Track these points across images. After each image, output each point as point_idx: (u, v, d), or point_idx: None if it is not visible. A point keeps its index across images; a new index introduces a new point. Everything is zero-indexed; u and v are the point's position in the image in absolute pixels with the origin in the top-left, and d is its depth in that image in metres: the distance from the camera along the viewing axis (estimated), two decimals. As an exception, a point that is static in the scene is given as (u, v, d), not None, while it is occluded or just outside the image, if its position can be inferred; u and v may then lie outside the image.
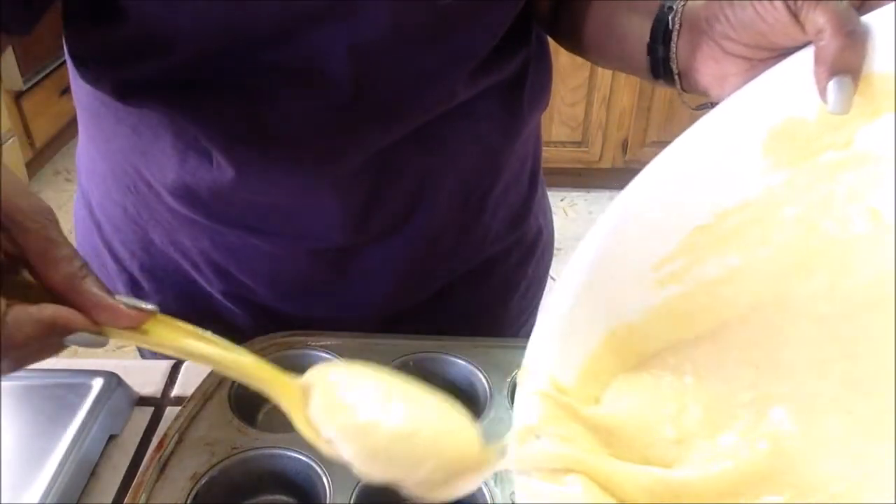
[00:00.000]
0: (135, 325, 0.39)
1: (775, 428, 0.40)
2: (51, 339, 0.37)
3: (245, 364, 0.41)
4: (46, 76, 2.63)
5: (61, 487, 0.53)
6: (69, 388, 0.61)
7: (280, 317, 0.68)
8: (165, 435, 0.55)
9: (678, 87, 0.52)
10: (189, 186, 0.59)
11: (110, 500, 0.55)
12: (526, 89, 0.66)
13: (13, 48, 2.39)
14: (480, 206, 0.68)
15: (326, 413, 0.40)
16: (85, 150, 0.68)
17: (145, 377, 0.66)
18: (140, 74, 0.56)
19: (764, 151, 0.44)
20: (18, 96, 2.53)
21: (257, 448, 0.55)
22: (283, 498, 0.55)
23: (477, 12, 0.56)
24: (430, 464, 0.38)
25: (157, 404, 0.64)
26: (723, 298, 0.45)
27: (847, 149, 0.42)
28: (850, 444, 0.38)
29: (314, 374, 0.42)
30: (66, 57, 0.60)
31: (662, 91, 2.40)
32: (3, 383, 0.61)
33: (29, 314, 0.35)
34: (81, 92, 0.62)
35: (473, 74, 0.59)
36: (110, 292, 0.38)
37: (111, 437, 0.60)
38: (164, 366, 0.67)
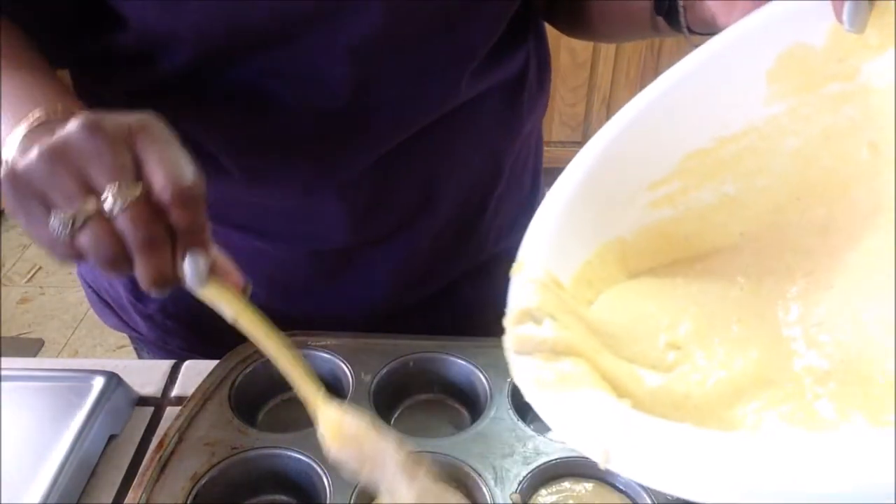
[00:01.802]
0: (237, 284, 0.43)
1: (765, 338, 0.40)
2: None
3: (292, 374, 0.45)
4: (46, 76, 2.62)
5: (61, 487, 0.53)
6: (69, 388, 0.61)
7: (280, 316, 0.68)
8: (165, 435, 0.55)
9: (683, 24, 0.51)
10: None
11: (110, 500, 0.55)
12: (526, 87, 0.66)
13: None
14: (482, 206, 0.68)
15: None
16: None
17: (145, 377, 0.66)
18: (143, 81, 0.56)
19: (769, 79, 0.43)
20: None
21: (257, 448, 0.55)
22: (283, 498, 0.55)
23: (474, 8, 0.56)
24: None
25: (157, 404, 0.64)
26: (715, 225, 0.45)
27: (851, 81, 0.41)
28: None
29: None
30: (69, 73, 0.61)
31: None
32: (4, 383, 0.61)
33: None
34: (86, 98, 0.61)
35: (475, 73, 0.59)
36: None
37: (111, 437, 0.59)
38: (164, 366, 0.67)
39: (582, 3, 0.63)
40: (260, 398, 0.62)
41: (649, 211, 0.46)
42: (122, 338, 2.19)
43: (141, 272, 0.39)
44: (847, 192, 0.42)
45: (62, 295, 2.12)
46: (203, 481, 0.52)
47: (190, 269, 0.40)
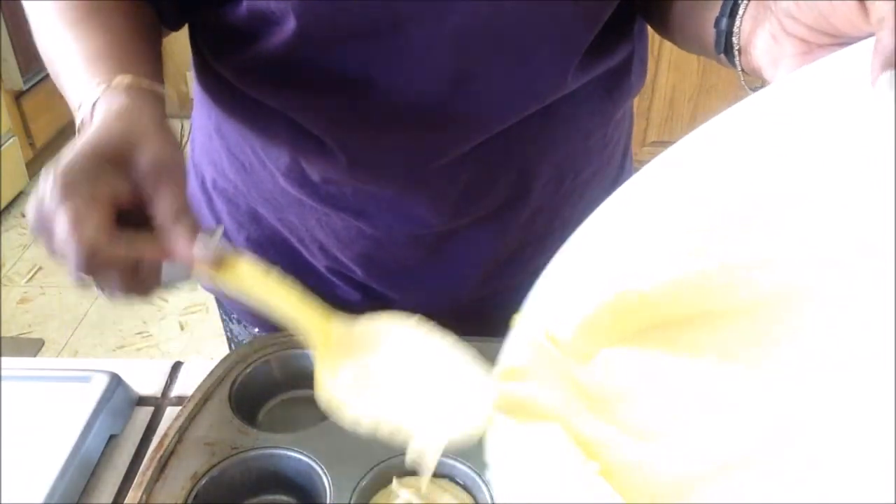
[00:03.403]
0: (216, 265, 0.42)
1: (757, 432, 0.38)
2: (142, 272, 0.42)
3: (286, 305, 0.44)
4: (46, 76, 2.63)
5: (61, 487, 0.53)
6: (69, 388, 0.61)
7: (377, 295, 0.71)
8: (165, 435, 0.55)
9: (738, 64, 0.50)
10: (302, 170, 0.62)
11: (110, 501, 0.55)
12: (627, 77, 0.66)
13: (13, 48, 2.40)
14: (574, 189, 0.69)
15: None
16: (201, 128, 0.73)
17: (145, 377, 0.66)
18: (251, 59, 0.58)
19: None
20: (18, 96, 2.53)
21: (257, 448, 0.55)
22: (283, 498, 0.55)
23: (575, 3, 0.56)
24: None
25: (157, 404, 0.64)
26: (747, 281, 0.42)
27: None
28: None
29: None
30: (189, 38, 0.63)
31: (662, 91, 2.40)
32: (4, 383, 0.61)
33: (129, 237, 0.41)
34: (203, 73, 0.65)
35: (580, 66, 0.60)
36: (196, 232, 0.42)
37: (111, 437, 0.59)
38: (164, 366, 0.67)
39: (667, 12, 0.63)
40: (260, 398, 0.62)
41: (680, 260, 0.43)
42: (123, 338, 2.19)
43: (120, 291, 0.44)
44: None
45: (62, 295, 2.12)
46: (203, 481, 0.52)
47: (167, 277, 0.42)
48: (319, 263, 0.70)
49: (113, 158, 0.42)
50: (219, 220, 0.73)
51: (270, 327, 0.71)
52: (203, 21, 0.60)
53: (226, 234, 0.72)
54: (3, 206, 2.44)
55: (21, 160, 2.52)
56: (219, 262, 0.42)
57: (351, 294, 0.71)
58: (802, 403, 0.38)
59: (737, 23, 0.49)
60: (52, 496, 0.52)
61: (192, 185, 0.75)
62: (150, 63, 0.50)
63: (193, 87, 0.69)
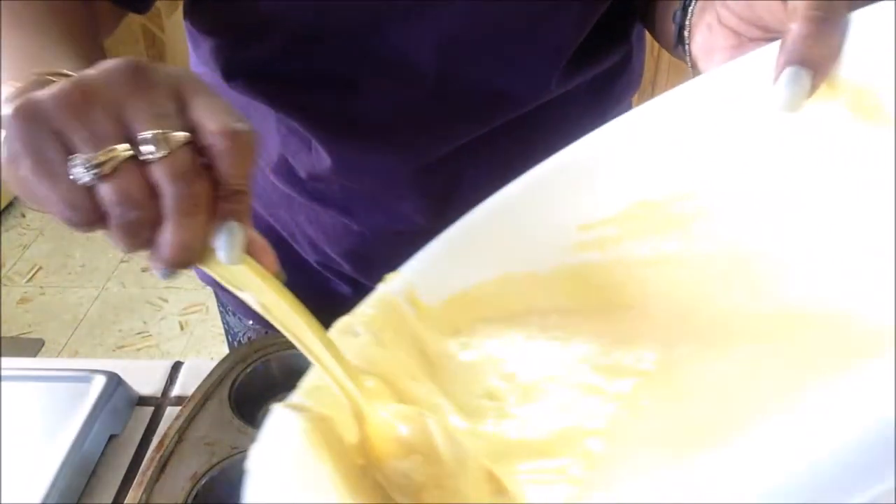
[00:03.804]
0: (268, 264, 0.36)
1: (593, 428, 0.37)
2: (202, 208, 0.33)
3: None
4: (46, 76, 2.62)
5: (61, 487, 0.53)
6: (69, 388, 0.61)
7: (368, 290, 0.70)
8: (165, 435, 0.55)
9: (688, 59, 0.49)
10: (290, 166, 0.63)
11: (110, 500, 0.55)
12: (621, 79, 0.66)
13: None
14: None
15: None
16: None
17: (145, 377, 0.66)
18: (240, 62, 0.59)
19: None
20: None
21: (257, 448, 0.55)
22: (283, 498, 0.55)
23: (557, 9, 0.56)
24: None
25: (157, 404, 0.64)
26: (639, 280, 0.42)
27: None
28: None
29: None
30: (186, 32, 0.63)
31: (662, 91, 2.40)
32: (4, 383, 0.61)
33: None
34: (199, 69, 0.65)
35: (567, 71, 0.59)
36: None
37: (111, 437, 0.59)
38: (164, 366, 0.67)
39: (651, 16, 0.62)
40: (260, 398, 0.62)
41: (574, 252, 0.43)
42: (123, 338, 2.19)
43: (169, 240, 0.32)
44: (777, 284, 0.37)
45: (62, 295, 2.12)
46: (203, 481, 0.52)
47: (226, 240, 0.33)
48: (310, 258, 0.71)
49: None
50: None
51: (265, 321, 0.73)
52: (193, 22, 0.61)
53: None
54: (3, 206, 2.44)
55: (21, 160, 2.52)
56: (269, 262, 0.36)
57: (343, 287, 0.72)
58: (655, 406, 0.37)
59: (688, 15, 0.47)
60: (52, 496, 0.52)
61: None
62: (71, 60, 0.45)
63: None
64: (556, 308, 0.43)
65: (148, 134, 0.31)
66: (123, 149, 0.31)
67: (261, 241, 0.36)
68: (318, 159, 0.61)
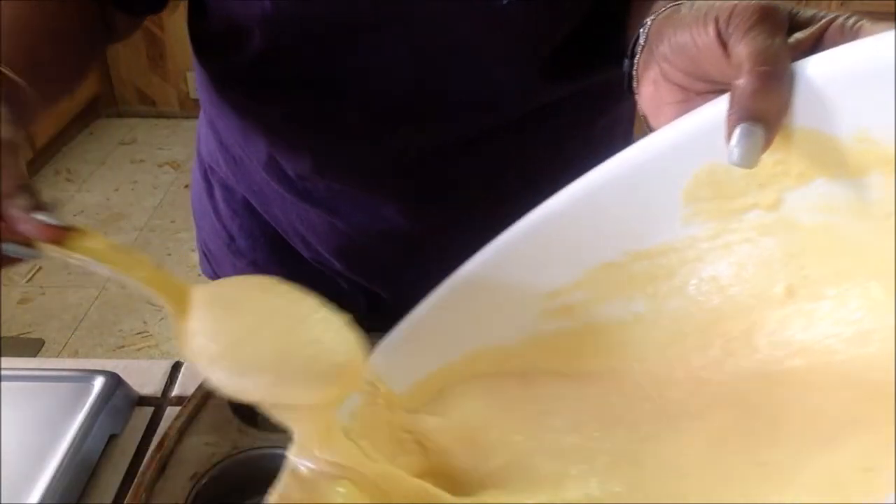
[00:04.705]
0: (56, 241, 0.40)
1: (601, 490, 0.36)
2: None
3: (141, 274, 0.40)
4: (46, 76, 2.62)
5: (61, 487, 0.53)
6: (69, 388, 0.61)
7: (362, 288, 0.72)
8: (165, 435, 0.55)
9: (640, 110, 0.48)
10: (279, 165, 0.64)
11: (110, 500, 0.55)
12: (612, 96, 0.65)
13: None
14: (552, 193, 0.69)
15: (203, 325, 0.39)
16: (203, 122, 0.75)
17: (145, 377, 0.66)
18: (225, 67, 0.61)
19: (685, 197, 0.39)
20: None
21: (257, 448, 0.55)
22: (284, 498, 0.55)
23: (536, 15, 0.55)
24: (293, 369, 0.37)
25: (157, 404, 0.64)
26: (614, 345, 0.41)
27: (774, 211, 0.37)
28: None
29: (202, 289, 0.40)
30: (188, 37, 0.65)
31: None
32: (4, 383, 0.61)
33: None
34: (199, 71, 0.67)
35: (549, 81, 0.59)
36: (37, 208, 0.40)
37: (111, 437, 0.59)
38: (164, 366, 0.67)
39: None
40: (260, 398, 0.62)
41: (545, 320, 0.42)
42: (123, 338, 2.19)
43: None
44: (749, 338, 0.37)
45: (62, 295, 2.12)
46: (203, 481, 0.52)
47: (10, 252, 0.40)
48: (305, 254, 0.72)
49: None
50: (217, 208, 0.75)
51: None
52: (189, 27, 0.63)
53: (221, 222, 0.75)
54: None
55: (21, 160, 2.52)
56: (59, 237, 0.40)
57: (339, 286, 0.72)
58: (635, 484, 0.37)
59: (634, 65, 0.45)
60: (52, 496, 0.52)
61: (196, 174, 0.78)
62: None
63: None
64: (534, 371, 0.42)
65: None
66: None
67: (39, 224, 0.40)
68: (301, 159, 0.63)
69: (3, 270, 0.41)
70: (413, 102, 0.58)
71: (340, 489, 0.37)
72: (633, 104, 0.69)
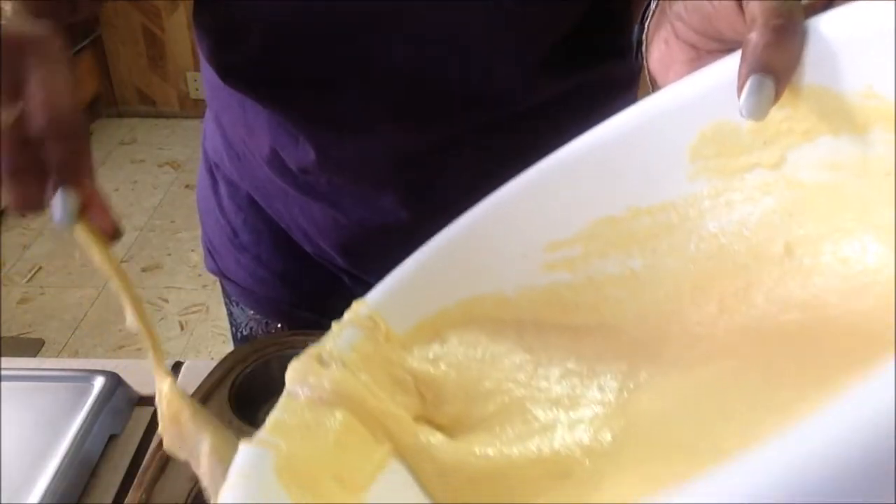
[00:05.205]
0: (112, 236, 0.41)
1: (591, 438, 0.36)
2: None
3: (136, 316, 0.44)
4: (46, 76, 2.62)
5: (61, 487, 0.53)
6: (69, 388, 0.61)
7: (364, 282, 0.72)
8: (165, 435, 0.55)
9: (647, 75, 0.49)
10: (281, 159, 0.64)
11: (110, 500, 0.55)
12: (614, 90, 0.66)
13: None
14: None
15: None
16: (209, 119, 0.75)
17: (145, 377, 0.66)
18: (227, 58, 0.61)
19: (690, 155, 0.39)
20: None
21: (257, 448, 0.55)
22: (284, 498, 0.55)
23: (535, 10, 0.56)
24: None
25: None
26: (610, 299, 0.42)
27: (776, 170, 0.37)
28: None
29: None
30: (195, 34, 0.66)
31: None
32: (4, 383, 0.61)
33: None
34: (205, 67, 0.67)
35: (548, 75, 0.60)
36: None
37: (111, 437, 0.60)
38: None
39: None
40: (260, 398, 0.62)
41: (543, 272, 0.43)
42: (123, 338, 2.19)
43: (8, 198, 0.38)
44: (747, 294, 0.37)
45: (62, 295, 2.12)
46: (203, 481, 0.52)
47: (57, 206, 0.38)
48: (308, 249, 0.72)
49: None
50: (222, 204, 0.75)
51: (266, 310, 0.76)
52: (194, 24, 0.63)
53: (225, 217, 0.75)
54: (3, 207, 2.44)
55: (21, 160, 2.52)
56: (115, 236, 0.41)
57: (341, 281, 0.73)
58: (635, 423, 0.37)
59: (644, 30, 0.46)
60: (52, 496, 0.52)
61: (202, 171, 0.78)
62: None
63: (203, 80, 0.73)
64: (532, 321, 0.43)
65: None
66: None
67: (101, 206, 0.40)
68: (304, 153, 0.63)
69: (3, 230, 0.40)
70: (414, 96, 0.58)
71: (337, 415, 0.36)
72: (634, 98, 0.69)
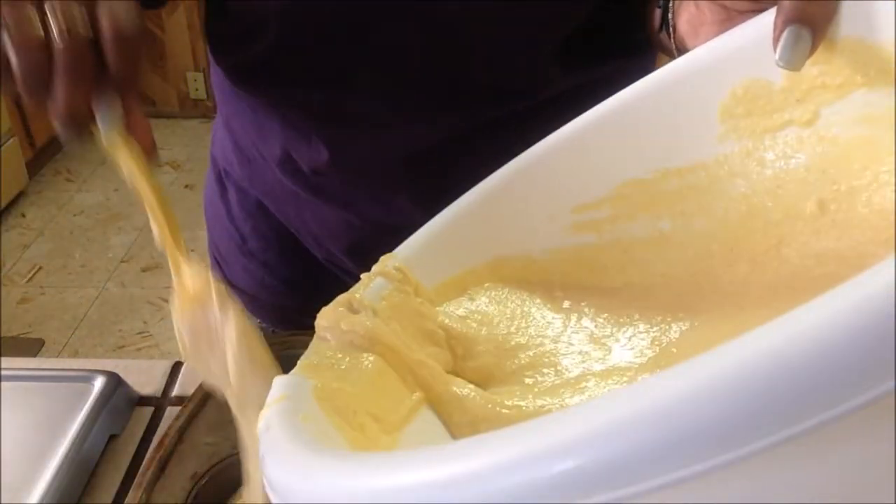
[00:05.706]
0: (148, 152, 0.42)
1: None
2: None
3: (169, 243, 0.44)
4: (46, 76, 2.63)
5: (61, 487, 0.53)
6: (69, 388, 0.61)
7: None
8: (165, 435, 0.55)
9: (672, 44, 0.49)
10: (293, 161, 0.64)
11: (110, 500, 0.55)
12: (632, 76, 0.66)
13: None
14: None
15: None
16: (219, 125, 0.75)
17: (145, 377, 0.66)
18: (241, 59, 0.61)
19: (722, 114, 0.39)
20: (18, 96, 2.53)
21: (257, 448, 0.55)
22: (284, 498, 0.55)
23: (549, 2, 0.56)
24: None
25: (157, 404, 0.64)
26: (637, 261, 0.42)
27: (809, 127, 0.37)
28: None
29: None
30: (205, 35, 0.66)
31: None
32: (4, 383, 0.61)
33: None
34: (215, 71, 0.67)
35: (562, 69, 0.60)
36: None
37: (111, 437, 0.60)
38: (164, 366, 0.67)
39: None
40: (260, 398, 0.62)
41: (570, 234, 0.43)
42: (122, 338, 2.19)
43: (57, 97, 0.39)
44: (779, 251, 0.38)
45: (62, 295, 2.12)
46: (203, 481, 0.52)
47: (103, 109, 0.40)
48: (318, 254, 0.72)
49: None
50: (230, 210, 0.75)
51: (272, 318, 0.76)
52: (205, 25, 0.63)
53: (233, 223, 0.75)
54: (3, 206, 2.44)
55: (21, 160, 2.52)
56: (152, 153, 0.42)
57: (349, 286, 0.72)
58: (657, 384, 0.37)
59: None
60: (51, 496, 0.52)
61: (210, 178, 0.78)
62: None
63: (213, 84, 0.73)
64: (559, 282, 0.43)
65: (54, 18, 0.37)
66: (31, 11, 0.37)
67: (142, 125, 0.41)
68: (317, 152, 0.63)
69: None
70: (427, 89, 0.58)
71: (371, 358, 0.36)
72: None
